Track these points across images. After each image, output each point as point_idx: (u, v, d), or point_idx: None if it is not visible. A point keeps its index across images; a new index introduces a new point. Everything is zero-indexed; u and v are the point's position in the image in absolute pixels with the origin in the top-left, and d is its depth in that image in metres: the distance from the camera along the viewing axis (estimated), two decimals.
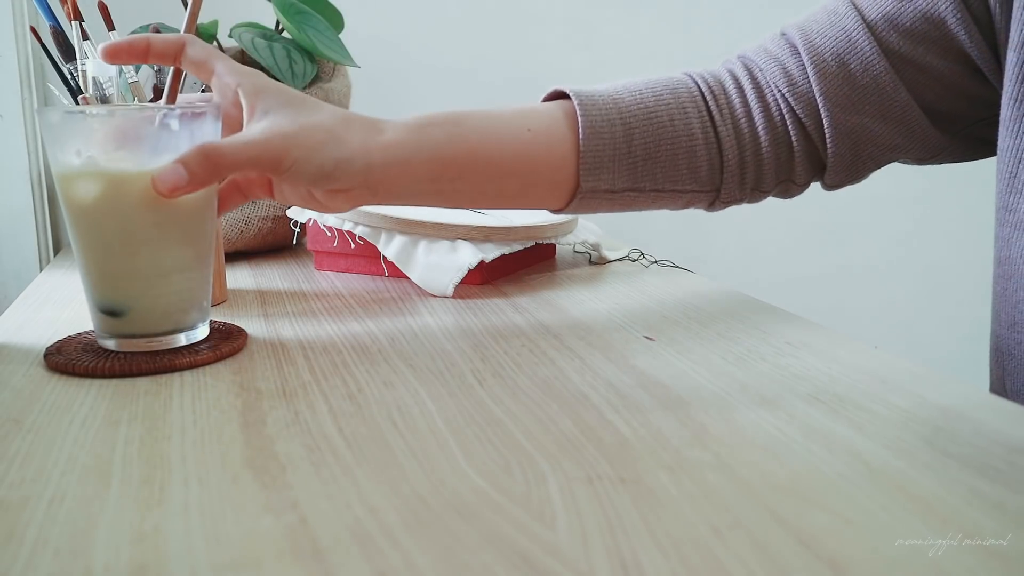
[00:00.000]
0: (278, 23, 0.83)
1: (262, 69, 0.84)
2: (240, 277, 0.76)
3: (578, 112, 0.59)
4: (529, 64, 1.29)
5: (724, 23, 1.35)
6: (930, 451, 0.38)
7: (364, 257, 0.75)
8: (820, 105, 0.60)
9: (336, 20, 0.87)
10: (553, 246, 0.83)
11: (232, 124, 0.53)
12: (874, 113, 0.60)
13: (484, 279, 0.71)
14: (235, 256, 0.84)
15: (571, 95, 0.60)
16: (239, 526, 0.33)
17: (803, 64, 0.60)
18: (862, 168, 0.63)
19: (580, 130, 0.59)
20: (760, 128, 0.62)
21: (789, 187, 0.65)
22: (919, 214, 1.47)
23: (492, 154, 0.57)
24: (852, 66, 0.59)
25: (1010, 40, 0.53)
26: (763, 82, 0.62)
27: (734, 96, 0.62)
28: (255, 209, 0.82)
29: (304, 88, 0.82)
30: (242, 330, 0.57)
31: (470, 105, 0.59)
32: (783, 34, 0.63)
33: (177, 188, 0.48)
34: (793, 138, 0.62)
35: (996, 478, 0.36)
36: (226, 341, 0.54)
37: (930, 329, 1.50)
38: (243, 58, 0.86)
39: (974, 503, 0.34)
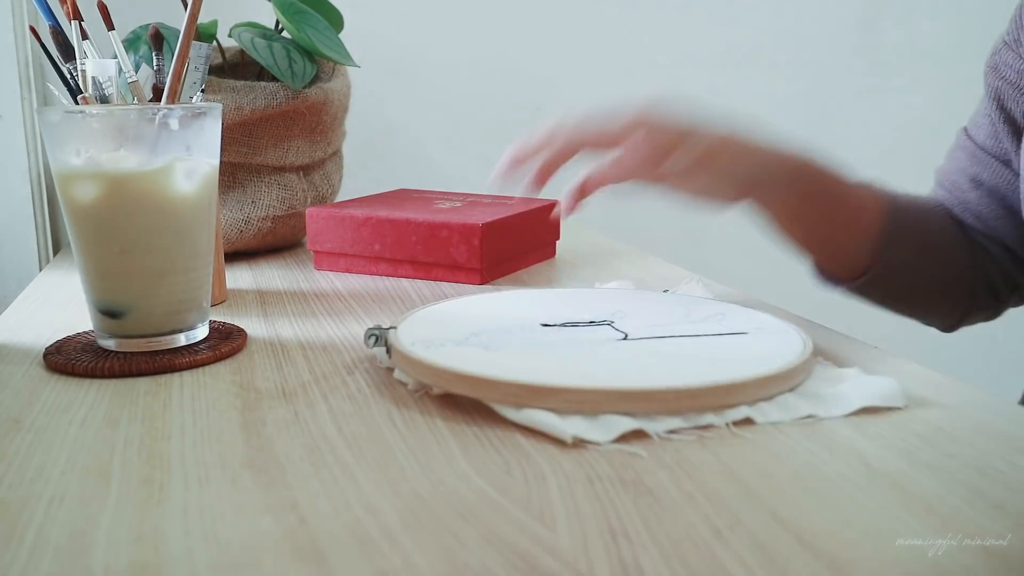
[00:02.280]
0: (278, 23, 0.83)
1: (262, 69, 0.84)
2: (240, 277, 0.76)
3: (881, 193, 0.67)
4: (529, 64, 1.29)
5: (724, 23, 1.35)
6: (930, 451, 0.38)
7: (364, 257, 0.75)
8: (987, 224, 0.70)
9: (336, 20, 0.87)
10: (554, 245, 0.83)
11: None
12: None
13: (484, 279, 0.71)
14: (235, 256, 0.84)
15: (870, 183, 0.68)
16: (239, 526, 0.33)
17: (956, 197, 0.71)
18: None
19: (887, 208, 0.66)
20: (979, 243, 0.71)
21: (1022, 293, 0.73)
22: None
23: (846, 198, 0.65)
24: (987, 184, 0.69)
25: None
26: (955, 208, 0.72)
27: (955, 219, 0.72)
28: (255, 209, 0.82)
29: (304, 88, 0.82)
30: (242, 330, 0.57)
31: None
32: (936, 182, 0.74)
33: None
34: (996, 251, 0.71)
35: (996, 478, 0.36)
36: (226, 341, 0.54)
37: (929, 329, 1.50)
38: (243, 58, 0.86)
39: (974, 503, 0.34)
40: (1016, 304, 0.74)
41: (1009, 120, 0.67)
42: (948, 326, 0.75)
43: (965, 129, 0.73)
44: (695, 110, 0.57)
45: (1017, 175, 0.67)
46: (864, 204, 0.66)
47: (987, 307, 0.73)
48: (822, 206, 0.64)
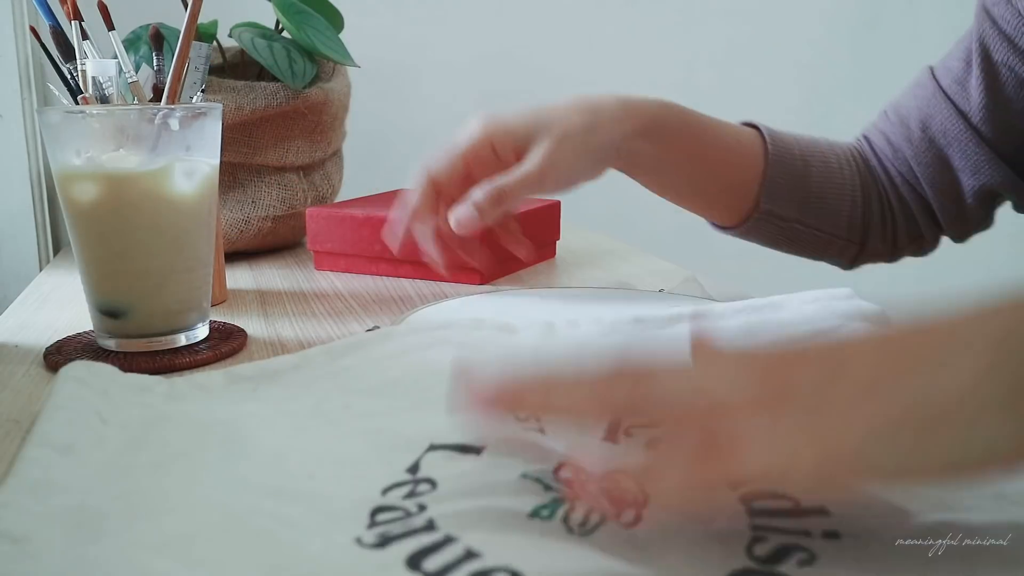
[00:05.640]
0: (278, 23, 0.83)
1: (262, 69, 0.84)
2: (240, 277, 0.76)
3: (767, 140, 0.67)
4: (529, 65, 1.29)
5: (724, 22, 1.35)
6: None
7: (364, 257, 0.75)
8: (914, 168, 0.69)
9: (336, 20, 0.87)
10: (554, 245, 0.83)
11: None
12: (962, 169, 0.66)
13: (484, 279, 0.71)
14: (235, 256, 0.84)
15: (759, 126, 0.69)
16: None
17: (897, 133, 0.69)
18: (973, 215, 0.69)
19: (768, 155, 0.67)
20: (888, 190, 0.71)
21: (921, 243, 0.72)
22: None
23: (709, 146, 0.66)
24: (934, 129, 0.67)
25: None
26: (879, 152, 0.71)
27: (871, 160, 0.71)
28: (255, 209, 0.82)
29: (304, 88, 0.82)
30: (242, 330, 0.57)
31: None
32: (884, 111, 0.72)
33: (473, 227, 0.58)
34: (909, 199, 0.70)
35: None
36: (225, 341, 0.54)
37: None
38: (243, 58, 0.86)
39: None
40: (914, 253, 0.74)
41: (988, 71, 0.64)
42: (845, 267, 0.75)
43: (931, 69, 0.69)
44: (526, 112, 0.61)
45: (965, 129, 0.65)
46: (741, 147, 0.67)
47: (882, 253, 0.73)
48: (687, 149, 0.65)
